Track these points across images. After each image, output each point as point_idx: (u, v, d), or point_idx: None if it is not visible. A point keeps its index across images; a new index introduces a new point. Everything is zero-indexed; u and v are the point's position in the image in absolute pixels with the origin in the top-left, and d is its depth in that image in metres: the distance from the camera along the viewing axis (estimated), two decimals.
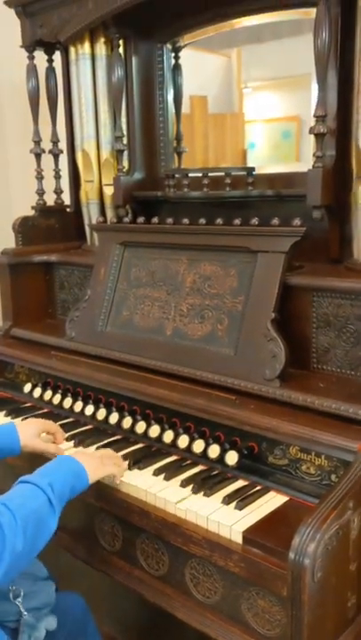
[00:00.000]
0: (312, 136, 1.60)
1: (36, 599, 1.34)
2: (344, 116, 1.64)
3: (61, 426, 1.71)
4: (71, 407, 1.81)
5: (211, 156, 2.48)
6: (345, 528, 1.17)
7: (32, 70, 2.19)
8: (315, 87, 1.62)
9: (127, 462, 1.52)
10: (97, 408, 1.75)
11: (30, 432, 1.58)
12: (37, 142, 2.24)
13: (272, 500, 1.36)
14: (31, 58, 2.19)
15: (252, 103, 2.52)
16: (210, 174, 1.89)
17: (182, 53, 2.17)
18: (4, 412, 1.91)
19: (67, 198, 2.40)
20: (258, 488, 1.40)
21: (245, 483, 1.42)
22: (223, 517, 1.28)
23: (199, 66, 2.38)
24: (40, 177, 2.27)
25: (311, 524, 1.12)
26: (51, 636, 1.37)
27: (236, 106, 2.55)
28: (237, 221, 1.67)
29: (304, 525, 1.12)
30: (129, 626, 1.98)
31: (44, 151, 2.27)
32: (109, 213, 2.19)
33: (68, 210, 2.37)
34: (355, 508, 1.20)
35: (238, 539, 1.24)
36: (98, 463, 1.41)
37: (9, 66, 2.90)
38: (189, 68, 2.24)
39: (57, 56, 2.29)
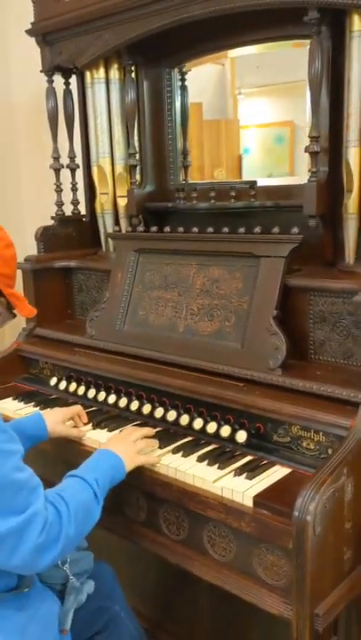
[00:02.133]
0: (306, 143, 1.80)
1: (79, 566, 1.55)
2: (335, 136, 1.86)
3: (88, 413, 1.92)
4: (95, 397, 2.02)
5: (206, 162, 2.58)
6: (340, 491, 1.38)
7: (51, 93, 2.40)
8: (308, 94, 1.82)
9: (155, 442, 1.71)
10: (118, 397, 1.95)
11: (55, 419, 1.79)
12: (56, 158, 2.45)
13: (277, 472, 1.56)
14: (50, 82, 2.40)
15: (245, 109, 2.65)
16: (215, 187, 2.11)
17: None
18: (32, 403, 2.11)
19: (82, 209, 2.61)
20: (264, 462, 1.60)
21: (253, 458, 1.62)
22: (236, 485, 1.49)
23: (194, 73, 2.48)
24: (59, 190, 2.48)
25: (311, 487, 1.33)
26: (87, 598, 1.57)
27: (230, 112, 2.69)
28: (242, 230, 1.89)
29: (305, 489, 1.33)
30: (149, 597, 2.19)
31: (62, 166, 2.47)
32: (123, 223, 2.40)
33: (84, 219, 2.58)
34: (348, 475, 1.40)
35: (249, 502, 1.44)
36: (133, 452, 1.59)
37: (23, 88, 3.12)
38: None
39: (73, 79, 2.50)
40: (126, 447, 1.60)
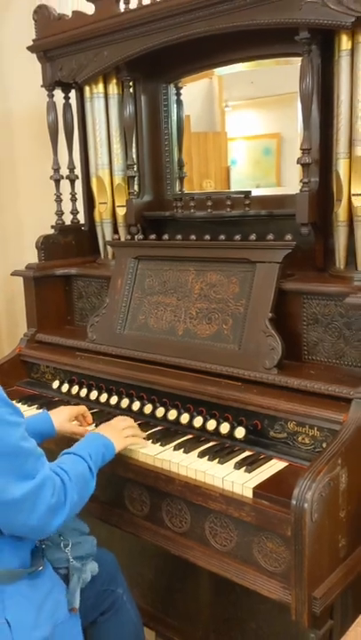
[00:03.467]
0: (293, 153, 1.91)
1: (82, 549, 1.63)
2: (325, 148, 1.96)
3: (90, 414, 2.00)
4: (97, 399, 2.09)
5: (195, 173, 2.63)
6: (335, 480, 1.46)
7: (52, 107, 2.50)
8: (295, 106, 1.90)
9: (145, 433, 1.84)
10: (120, 398, 2.03)
11: (62, 417, 1.88)
12: (57, 170, 2.54)
13: (274, 466, 1.64)
14: (51, 96, 2.49)
15: (233, 121, 2.69)
16: (212, 197, 2.20)
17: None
18: (36, 406, 2.18)
19: (81, 218, 2.70)
20: (262, 457, 1.68)
21: (251, 453, 1.71)
22: (236, 478, 1.57)
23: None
24: (59, 200, 2.56)
25: (308, 476, 1.41)
26: (91, 582, 1.65)
27: (218, 124, 2.76)
28: (238, 237, 1.98)
29: (302, 478, 1.41)
30: (149, 592, 2.25)
31: (63, 177, 2.56)
32: (121, 231, 2.49)
33: (83, 228, 2.67)
34: (342, 466, 1.49)
35: (249, 493, 1.53)
36: (121, 436, 1.73)
37: (20, 100, 3.22)
38: None
39: (72, 93, 2.59)
40: (114, 432, 1.73)
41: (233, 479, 1.57)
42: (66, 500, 1.42)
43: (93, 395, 2.11)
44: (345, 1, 1.68)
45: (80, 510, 1.54)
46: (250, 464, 1.63)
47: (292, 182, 2.39)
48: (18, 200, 3.48)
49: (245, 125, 2.67)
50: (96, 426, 1.95)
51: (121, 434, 1.75)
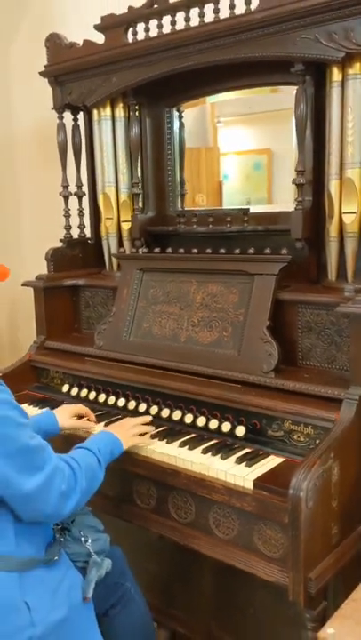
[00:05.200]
0: (284, 168, 2.07)
1: (97, 545, 1.76)
2: (318, 170, 2.13)
3: (98, 416, 2.14)
4: (105, 401, 2.23)
5: (188, 188, 2.74)
6: (328, 472, 1.61)
7: (61, 128, 2.66)
8: (285, 122, 2.02)
9: (151, 427, 2.00)
10: (127, 401, 2.17)
11: (66, 414, 2.04)
12: (65, 186, 2.69)
13: (272, 461, 1.78)
14: (60, 118, 2.65)
15: (225, 137, 2.77)
16: (213, 213, 2.37)
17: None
18: (47, 408, 2.31)
19: (88, 232, 2.85)
20: (261, 453, 1.82)
21: (251, 449, 1.84)
22: (237, 471, 1.71)
23: None
24: (67, 215, 2.72)
25: (304, 468, 1.56)
26: (103, 576, 1.78)
27: (210, 140, 2.82)
28: (237, 251, 2.14)
29: (298, 470, 1.56)
30: (153, 585, 2.37)
31: (71, 193, 2.72)
32: (126, 245, 2.64)
33: (89, 242, 2.82)
34: (335, 459, 1.63)
35: (250, 485, 1.67)
36: (129, 435, 1.89)
37: (23, 122, 3.39)
38: None
39: (80, 115, 2.76)
40: (123, 431, 1.89)
41: (235, 472, 1.71)
42: (76, 485, 1.58)
43: (102, 397, 2.25)
44: (336, 38, 1.86)
45: (94, 506, 1.68)
46: (250, 459, 1.77)
47: (282, 197, 2.49)
48: (20, 215, 3.64)
49: (237, 141, 2.77)
50: (106, 425, 2.09)
51: (129, 432, 1.90)
